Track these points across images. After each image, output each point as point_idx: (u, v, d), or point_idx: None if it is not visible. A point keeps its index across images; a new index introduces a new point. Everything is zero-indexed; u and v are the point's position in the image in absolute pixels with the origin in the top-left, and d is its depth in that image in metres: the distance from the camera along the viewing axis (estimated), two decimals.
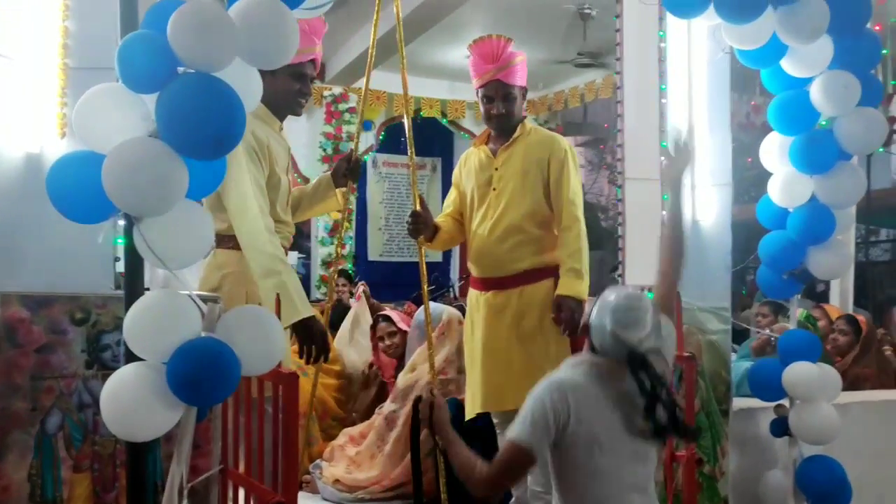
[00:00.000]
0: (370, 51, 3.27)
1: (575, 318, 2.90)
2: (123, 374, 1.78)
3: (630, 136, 3.34)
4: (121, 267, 2.36)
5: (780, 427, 3.13)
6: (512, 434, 1.99)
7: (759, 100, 6.20)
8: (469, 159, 3.21)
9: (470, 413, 3.11)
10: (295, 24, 1.87)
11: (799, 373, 3.03)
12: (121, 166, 1.70)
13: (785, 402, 3.15)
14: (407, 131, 3.22)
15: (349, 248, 8.61)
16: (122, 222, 1.90)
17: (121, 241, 1.93)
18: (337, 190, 3.20)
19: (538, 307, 2.96)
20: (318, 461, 3.74)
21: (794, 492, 3.09)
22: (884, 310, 7.76)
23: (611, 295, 2.03)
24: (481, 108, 3.12)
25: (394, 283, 8.38)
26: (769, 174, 3.13)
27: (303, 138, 7.94)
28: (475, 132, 9.34)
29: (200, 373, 1.74)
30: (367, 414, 4.08)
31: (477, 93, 3.11)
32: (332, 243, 8.36)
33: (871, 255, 11.56)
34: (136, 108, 1.79)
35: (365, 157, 8.74)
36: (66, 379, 2.19)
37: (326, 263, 8.28)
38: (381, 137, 8.75)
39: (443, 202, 11.17)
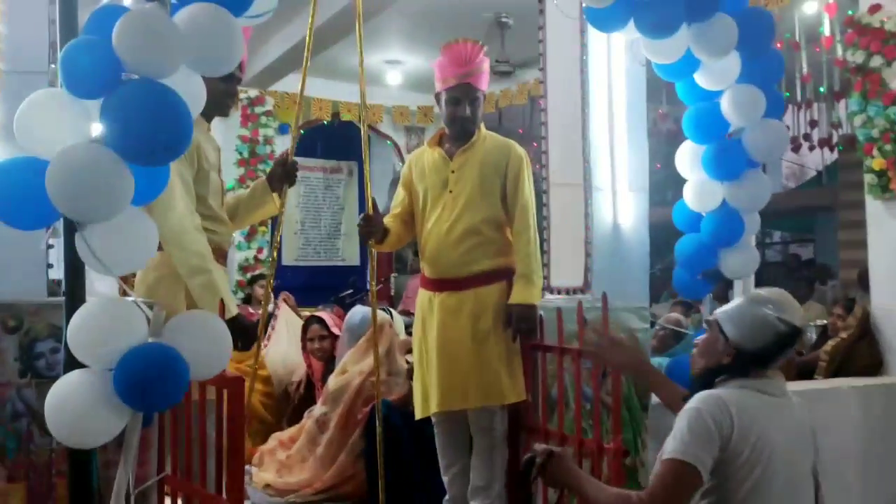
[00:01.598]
0: (305, 53, 3.27)
1: (524, 326, 3.00)
2: (68, 382, 1.77)
3: (554, 143, 3.47)
4: (54, 274, 2.33)
5: None
6: (670, 453, 1.91)
7: (666, 108, 6.51)
8: (421, 160, 3.23)
9: (422, 413, 3.15)
10: (240, 31, 1.90)
11: None
12: (67, 172, 1.70)
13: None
14: (363, 135, 3.25)
15: (265, 252, 8.53)
16: (60, 229, 1.89)
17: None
18: (274, 194, 3.20)
19: (493, 309, 3.03)
20: (246, 467, 3.72)
21: None
22: None
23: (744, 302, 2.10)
24: (443, 110, 3.14)
25: (310, 288, 8.33)
26: (675, 177, 3.30)
27: (218, 141, 7.83)
28: (392, 136, 9.43)
29: (149, 378, 1.74)
30: (296, 417, 4.09)
31: (440, 95, 3.13)
32: (248, 248, 8.26)
33: (766, 257, 12.25)
34: (79, 114, 1.79)
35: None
36: None
37: (243, 269, 8.18)
38: (298, 142, 8.68)
39: (360, 207, 11.17)
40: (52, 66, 2.19)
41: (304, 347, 4.28)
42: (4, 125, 2.20)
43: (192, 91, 1.89)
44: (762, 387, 2.03)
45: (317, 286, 8.35)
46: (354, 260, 10.45)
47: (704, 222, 3.23)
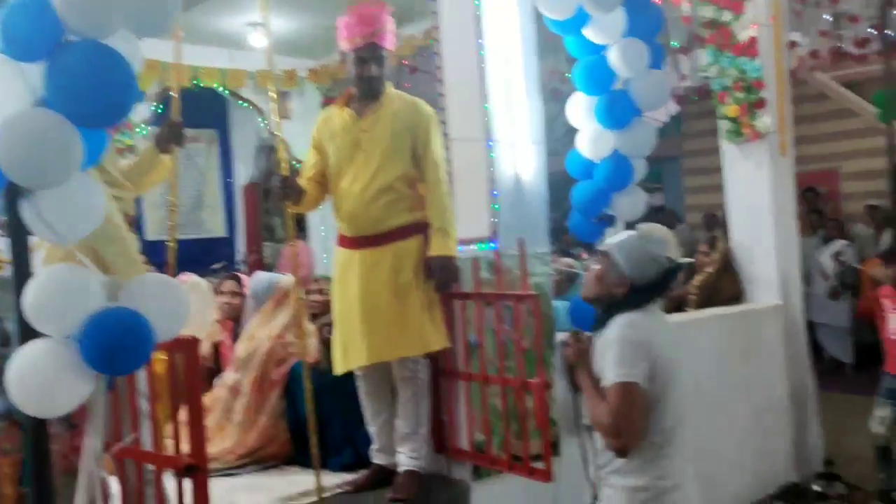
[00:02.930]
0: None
1: (446, 276, 3.12)
2: (30, 353, 1.73)
3: (452, 99, 3.57)
4: None
5: None
6: (611, 379, 2.16)
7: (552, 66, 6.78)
8: (330, 121, 3.26)
9: (344, 368, 3.21)
10: None
11: None
12: (17, 138, 1.65)
13: None
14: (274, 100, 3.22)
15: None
16: None
17: None
18: (163, 157, 3.14)
19: (412, 262, 3.12)
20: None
21: None
22: None
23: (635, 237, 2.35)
24: (352, 70, 3.17)
25: (178, 262, 8.09)
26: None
27: None
28: (256, 102, 9.20)
29: (118, 342, 1.74)
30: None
31: (346, 55, 3.17)
32: None
33: None
34: (19, 78, 1.73)
35: (142, 130, 8.30)
36: None
37: None
38: (156, 109, 8.31)
39: (223, 177, 10.79)
40: None
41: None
42: None
43: (130, 53, 1.85)
44: (653, 311, 2.33)
45: (185, 260, 8.12)
46: (220, 231, 10.18)
47: (598, 169, 3.47)
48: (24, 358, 1.72)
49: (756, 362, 4.91)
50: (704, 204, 10.19)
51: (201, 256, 9.08)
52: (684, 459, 2.26)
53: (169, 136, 3.08)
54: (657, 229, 2.41)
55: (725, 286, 5.12)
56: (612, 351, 2.20)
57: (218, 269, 8.84)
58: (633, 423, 2.14)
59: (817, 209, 8.55)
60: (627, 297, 2.30)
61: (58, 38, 1.71)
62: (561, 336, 2.45)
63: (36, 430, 1.85)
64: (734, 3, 5.00)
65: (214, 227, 10.09)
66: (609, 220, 3.57)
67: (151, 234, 9.14)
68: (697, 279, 5.32)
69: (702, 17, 5.21)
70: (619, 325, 2.24)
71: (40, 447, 1.88)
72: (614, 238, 2.44)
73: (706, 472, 4.45)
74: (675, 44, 6.95)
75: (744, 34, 4.98)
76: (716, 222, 8.75)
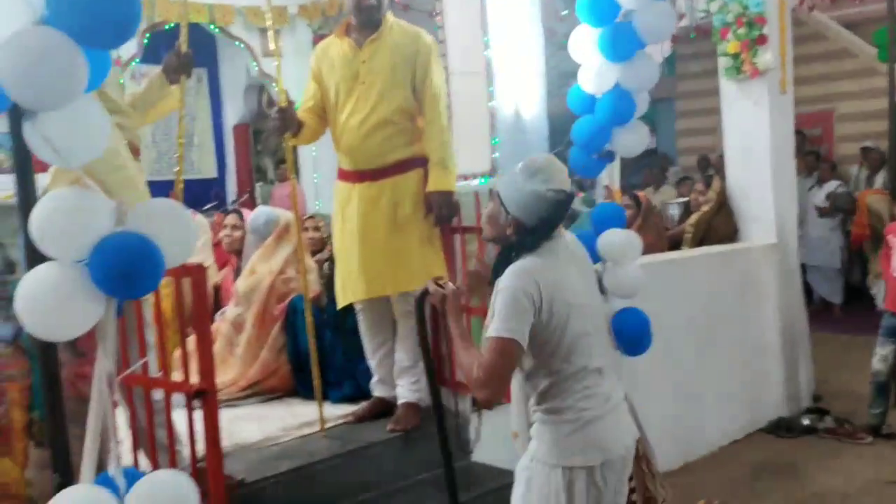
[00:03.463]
0: None
1: (445, 210, 3.11)
2: (38, 278, 1.72)
3: (452, 34, 3.53)
4: None
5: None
6: (493, 331, 2.05)
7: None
8: (329, 51, 3.21)
9: (344, 301, 3.24)
10: None
11: (610, 238, 3.48)
12: (20, 58, 1.60)
13: (598, 266, 3.62)
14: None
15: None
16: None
17: None
18: (173, 87, 3.10)
19: (411, 196, 3.11)
20: None
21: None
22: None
23: (517, 173, 2.20)
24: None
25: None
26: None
27: None
28: (246, 39, 9.01)
29: (129, 266, 1.73)
30: None
31: None
32: None
33: None
34: None
35: (131, 64, 8.15)
36: None
37: None
38: (144, 43, 8.14)
39: (213, 116, 10.69)
40: None
41: (215, 243, 4.24)
42: None
43: None
44: (553, 248, 2.16)
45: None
46: (211, 172, 10.12)
47: (599, 103, 3.43)
48: (33, 282, 1.71)
49: (750, 301, 4.97)
50: (697, 147, 10.16)
51: (192, 198, 9.05)
52: (608, 390, 2.19)
53: (178, 66, 3.04)
54: (538, 160, 2.23)
55: (720, 225, 5.15)
56: (498, 302, 2.09)
57: (209, 209, 8.81)
58: (503, 378, 2.09)
59: (813, 151, 8.54)
60: (520, 239, 2.17)
61: None
62: (428, 285, 2.29)
63: (45, 354, 1.86)
64: None
65: (205, 168, 10.03)
66: (609, 156, 3.55)
67: (147, 171, 9.07)
68: (693, 217, 5.35)
69: None
70: (507, 275, 2.11)
71: (50, 371, 1.89)
72: (504, 176, 2.33)
73: (696, 407, 4.56)
74: None
75: None
76: (709, 165, 8.76)
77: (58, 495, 1.65)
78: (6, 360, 2.17)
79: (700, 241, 5.16)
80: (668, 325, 4.23)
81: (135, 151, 2.77)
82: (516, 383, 2.45)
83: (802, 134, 8.81)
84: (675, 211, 6.39)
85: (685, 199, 6.42)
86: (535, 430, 2.20)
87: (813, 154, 8.40)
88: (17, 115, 1.76)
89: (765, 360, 5.03)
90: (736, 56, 4.95)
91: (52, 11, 1.67)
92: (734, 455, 4.66)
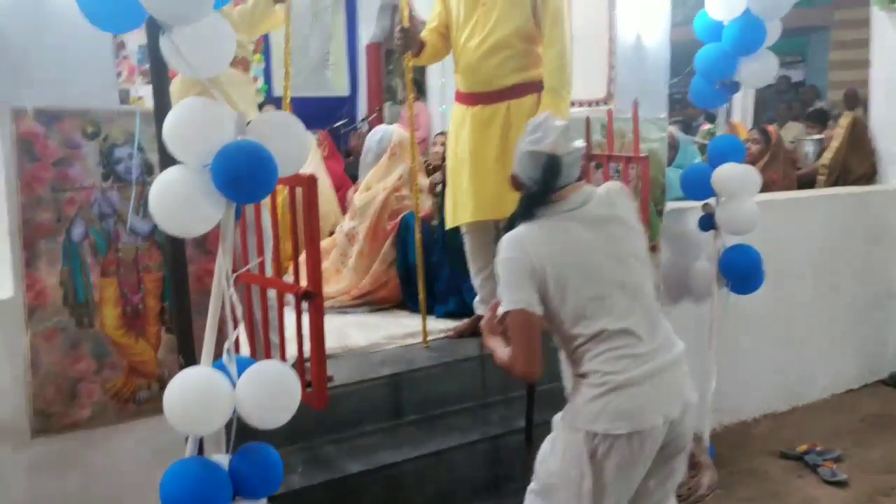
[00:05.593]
0: None
1: None
2: (169, 179, 1.91)
3: None
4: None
5: (707, 222, 3.54)
6: (503, 306, 2.04)
7: None
8: None
9: (453, 223, 3.33)
10: None
11: (727, 172, 3.41)
12: None
13: (711, 201, 3.55)
14: None
15: (262, 82, 8.42)
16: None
17: None
18: (277, 6, 3.22)
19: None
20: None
21: (717, 277, 3.56)
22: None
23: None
24: None
25: (301, 120, 8.36)
26: None
27: None
28: None
29: (245, 171, 1.88)
30: None
31: None
32: None
33: None
34: None
35: None
36: (84, 190, 2.29)
37: None
38: None
39: (349, 36, 10.84)
40: None
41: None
42: None
43: None
44: (556, 210, 2.09)
45: (309, 117, 8.36)
46: (344, 90, 10.35)
47: (727, 30, 3.30)
48: (163, 183, 1.89)
49: (881, 247, 4.72)
50: (850, 81, 9.46)
51: (325, 114, 9.35)
52: (646, 352, 2.03)
53: None
54: (538, 119, 2.19)
55: (854, 164, 4.87)
56: (500, 275, 2.07)
57: (338, 126, 9.07)
58: (529, 349, 2.02)
59: None
60: (521, 204, 2.14)
61: None
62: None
63: (174, 249, 2.06)
64: None
65: (338, 86, 10.27)
66: (733, 87, 3.43)
67: (278, 90, 9.43)
68: (826, 157, 5.08)
69: None
70: (502, 246, 2.08)
71: (178, 265, 2.10)
72: None
73: (810, 351, 4.44)
74: None
75: None
76: (857, 100, 8.17)
77: (179, 374, 1.86)
78: (144, 252, 2.42)
79: (835, 181, 4.91)
80: (785, 267, 4.12)
81: (245, 64, 2.93)
82: None
83: None
84: (809, 148, 6.08)
85: (820, 136, 6.08)
86: (569, 386, 2.13)
87: None
88: (154, 30, 1.93)
89: (890, 310, 4.81)
90: None
91: None
92: (847, 403, 4.53)
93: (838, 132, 5.02)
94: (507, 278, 2.04)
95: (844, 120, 5.04)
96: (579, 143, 2.19)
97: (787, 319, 4.33)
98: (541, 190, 2.11)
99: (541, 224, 2.09)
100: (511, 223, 2.14)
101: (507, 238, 2.09)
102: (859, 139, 4.88)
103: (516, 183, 2.19)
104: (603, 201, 2.15)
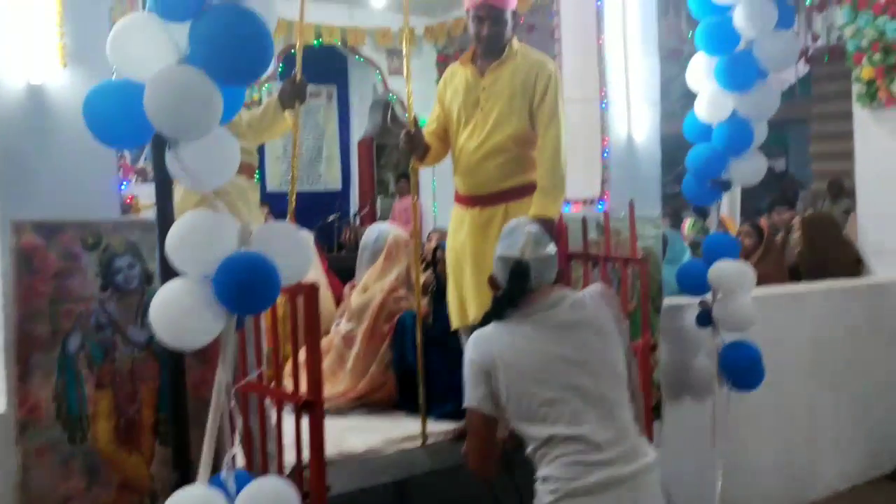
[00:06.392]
0: None
1: None
2: (171, 290, 1.90)
3: (568, 59, 3.57)
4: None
5: (705, 319, 3.54)
6: (464, 402, 2.15)
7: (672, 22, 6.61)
8: (454, 77, 3.30)
9: (457, 324, 3.31)
10: None
11: (723, 269, 3.43)
12: (165, 92, 1.79)
13: (707, 297, 3.56)
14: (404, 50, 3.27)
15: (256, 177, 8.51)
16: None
17: None
18: (286, 112, 3.30)
19: None
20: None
21: (717, 374, 3.53)
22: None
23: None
24: (471, 28, 3.20)
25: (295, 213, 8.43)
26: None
27: None
28: (374, 59, 9.34)
29: (248, 284, 1.88)
30: None
31: (467, 13, 3.19)
32: None
33: None
34: (168, 37, 1.87)
35: (266, 86, 8.62)
36: (82, 302, 2.27)
37: None
38: (280, 67, 8.59)
39: (340, 132, 11.03)
40: None
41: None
42: (73, 51, 2.26)
43: (268, 14, 1.96)
44: (525, 314, 2.16)
45: (302, 211, 8.44)
46: (336, 185, 10.50)
47: (716, 132, 3.39)
48: (165, 294, 1.88)
49: (879, 340, 4.72)
50: (833, 171, 9.69)
51: (318, 208, 9.45)
52: (605, 461, 2.03)
53: (292, 93, 3.23)
54: (512, 223, 2.29)
55: (830, 258, 4.94)
56: (464, 372, 2.17)
57: (332, 221, 9.13)
58: (479, 448, 2.14)
59: None
60: (492, 305, 2.23)
61: (202, 0, 1.84)
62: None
63: (173, 361, 2.04)
64: None
65: (331, 180, 10.42)
66: (724, 185, 3.49)
67: (272, 185, 9.54)
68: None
69: None
70: (468, 344, 2.20)
71: (177, 377, 2.07)
72: None
73: (812, 447, 4.37)
74: (809, 1, 6.61)
75: None
76: (842, 190, 8.33)
77: (175, 493, 1.80)
78: (141, 362, 2.38)
79: (812, 268, 4.96)
80: (783, 361, 4.10)
81: (250, 171, 2.97)
82: None
83: None
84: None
85: (550, 251, 6.03)
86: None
87: None
88: (160, 144, 1.95)
89: (892, 403, 4.76)
90: (870, 83, 4.74)
91: (194, 52, 1.84)
92: (852, 500, 4.44)
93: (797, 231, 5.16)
94: (466, 376, 2.15)
95: (798, 227, 5.18)
96: (550, 248, 2.25)
97: (790, 415, 4.28)
98: (508, 293, 2.18)
99: (507, 325, 2.17)
100: (483, 322, 2.23)
101: (472, 336, 2.19)
102: (821, 236, 4.98)
103: (493, 284, 2.27)
104: (575, 306, 2.20)
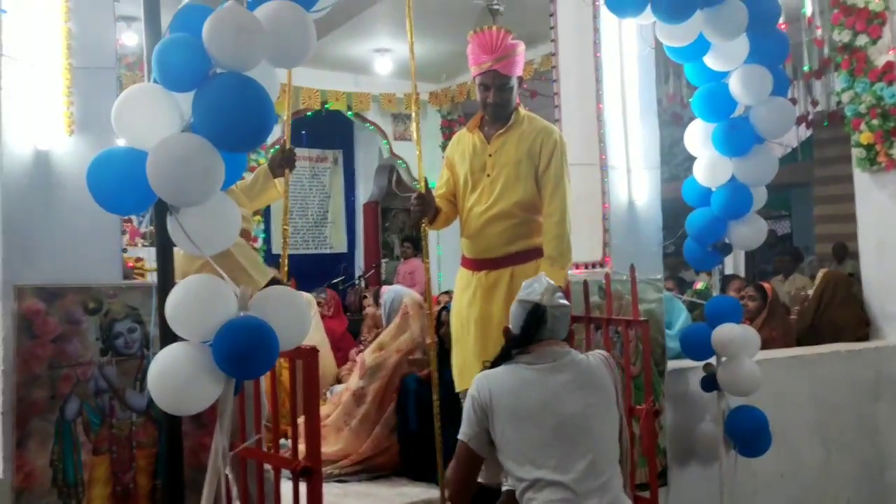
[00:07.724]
0: None
1: None
2: (169, 355, 1.90)
3: (568, 125, 3.62)
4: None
5: (710, 383, 3.51)
6: (459, 435, 2.30)
7: (671, 90, 6.71)
8: (462, 142, 3.34)
9: (461, 387, 3.28)
10: (312, 25, 2.04)
11: (726, 333, 3.41)
12: (168, 160, 1.82)
13: (712, 360, 3.54)
14: (414, 118, 3.31)
15: (260, 242, 8.58)
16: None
17: None
18: (276, 180, 3.35)
19: None
20: (281, 440, 3.86)
21: (724, 439, 3.49)
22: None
23: None
24: (478, 95, 3.25)
25: (300, 276, 8.47)
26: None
27: None
28: (380, 124, 9.50)
29: (247, 349, 1.88)
30: None
31: (474, 80, 3.26)
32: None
33: None
34: (172, 105, 1.91)
35: (273, 150, 8.76)
36: (82, 367, 2.27)
37: None
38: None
39: (346, 195, 11.14)
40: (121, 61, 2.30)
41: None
42: (80, 119, 2.31)
43: (270, 83, 2.02)
44: (530, 360, 2.29)
45: (307, 274, 8.48)
46: (342, 247, 10.57)
47: (715, 196, 3.41)
48: (163, 360, 1.89)
49: (886, 404, 4.65)
50: (836, 234, 9.70)
51: (323, 271, 9.49)
52: None
53: (282, 161, 3.30)
54: (539, 277, 2.44)
55: (838, 318, 4.92)
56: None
57: (336, 283, 9.16)
58: (459, 478, 2.28)
59: None
60: (503, 347, 2.38)
61: (206, 70, 1.89)
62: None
63: (171, 426, 2.02)
64: (871, 28, 4.82)
65: (336, 243, 10.50)
66: (724, 249, 3.50)
67: (277, 247, 9.59)
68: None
69: (836, 41, 5.04)
70: (472, 382, 2.32)
71: (174, 442, 2.05)
72: None
73: None
74: (807, 67, 6.72)
75: (881, 59, 4.79)
76: (846, 253, 8.34)
77: None
78: (138, 428, 2.37)
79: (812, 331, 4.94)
80: (792, 425, 4.04)
81: (247, 237, 3.01)
82: None
83: None
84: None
85: (564, 302, 6.04)
86: None
87: None
88: (162, 209, 1.98)
89: None
90: (870, 147, 4.79)
91: (198, 120, 1.89)
92: None
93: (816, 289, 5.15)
94: (465, 409, 2.28)
95: (819, 279, 5.17)
96: (566, 302, 2.40)
97: (799, 480, 4.19)
98: (521, 336, 2.31)
99: (513, 368, 2.28)
100: (494, 363, 2.35)
101: (478, 375, 2.32)
102: (836, 292, 4.97)
103: (506, 334, 2.39)
104: (580, 363, 2.33)
